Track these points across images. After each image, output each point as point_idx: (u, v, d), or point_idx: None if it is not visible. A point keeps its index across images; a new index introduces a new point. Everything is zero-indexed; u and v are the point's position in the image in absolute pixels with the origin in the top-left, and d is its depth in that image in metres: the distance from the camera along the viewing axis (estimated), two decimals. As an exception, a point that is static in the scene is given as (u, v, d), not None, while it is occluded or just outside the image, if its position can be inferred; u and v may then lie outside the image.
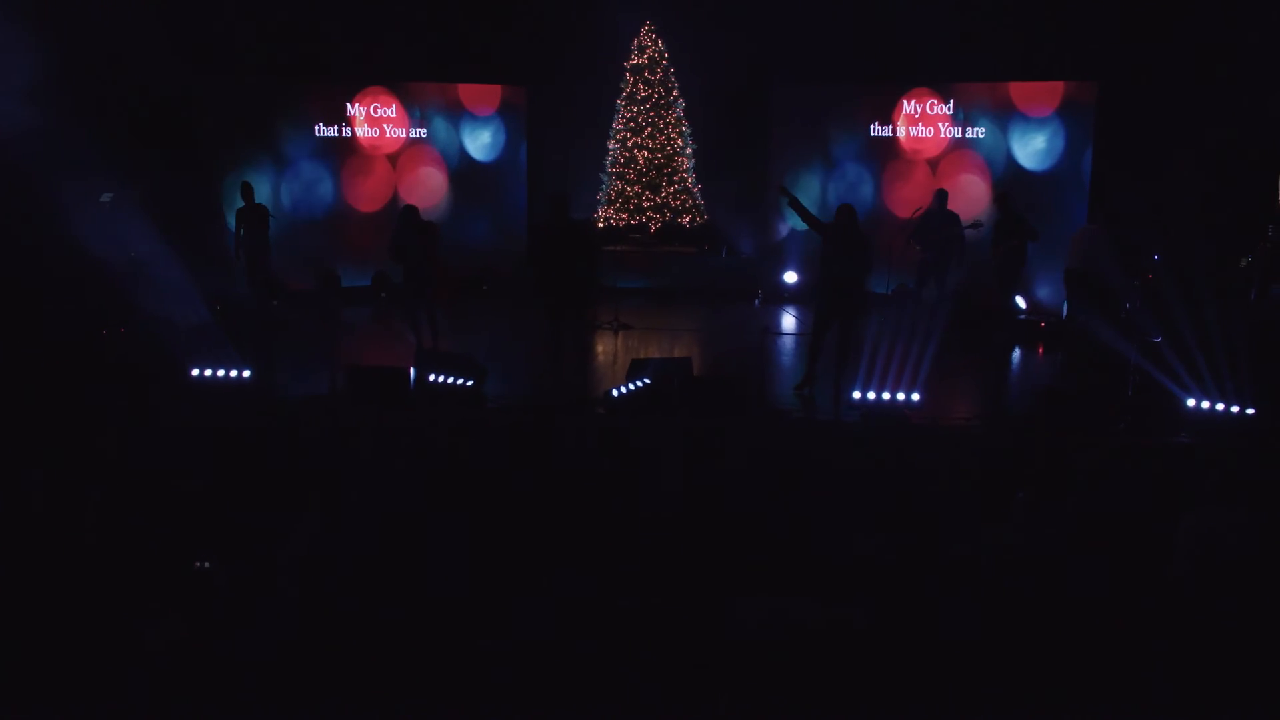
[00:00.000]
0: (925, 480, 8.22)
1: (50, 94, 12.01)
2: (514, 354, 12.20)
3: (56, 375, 9.75)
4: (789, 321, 14.85)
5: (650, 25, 17.39)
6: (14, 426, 8.43)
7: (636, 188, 17.43)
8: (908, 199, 15.18)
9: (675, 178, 17.47)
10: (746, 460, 8.67)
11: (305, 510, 6.68)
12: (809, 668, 5.61)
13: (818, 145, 16.29)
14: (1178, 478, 8.53)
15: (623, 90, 17.54)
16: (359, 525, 6.97)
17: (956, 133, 15.05)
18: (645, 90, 17.39)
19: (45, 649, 5.06)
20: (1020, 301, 13.88)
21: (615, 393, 9.62)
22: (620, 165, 17.53)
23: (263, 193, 14.01)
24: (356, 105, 15.78)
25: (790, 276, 16.30)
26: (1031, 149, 14.44)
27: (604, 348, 12.70)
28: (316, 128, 15.51)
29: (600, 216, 17.52)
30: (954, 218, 13.49)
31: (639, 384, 9.65)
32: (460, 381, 9.85)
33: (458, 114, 16.68)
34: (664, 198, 17.42)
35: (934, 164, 15.28)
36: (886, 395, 9.53)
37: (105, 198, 13.43)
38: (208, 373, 10.09)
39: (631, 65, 17.48)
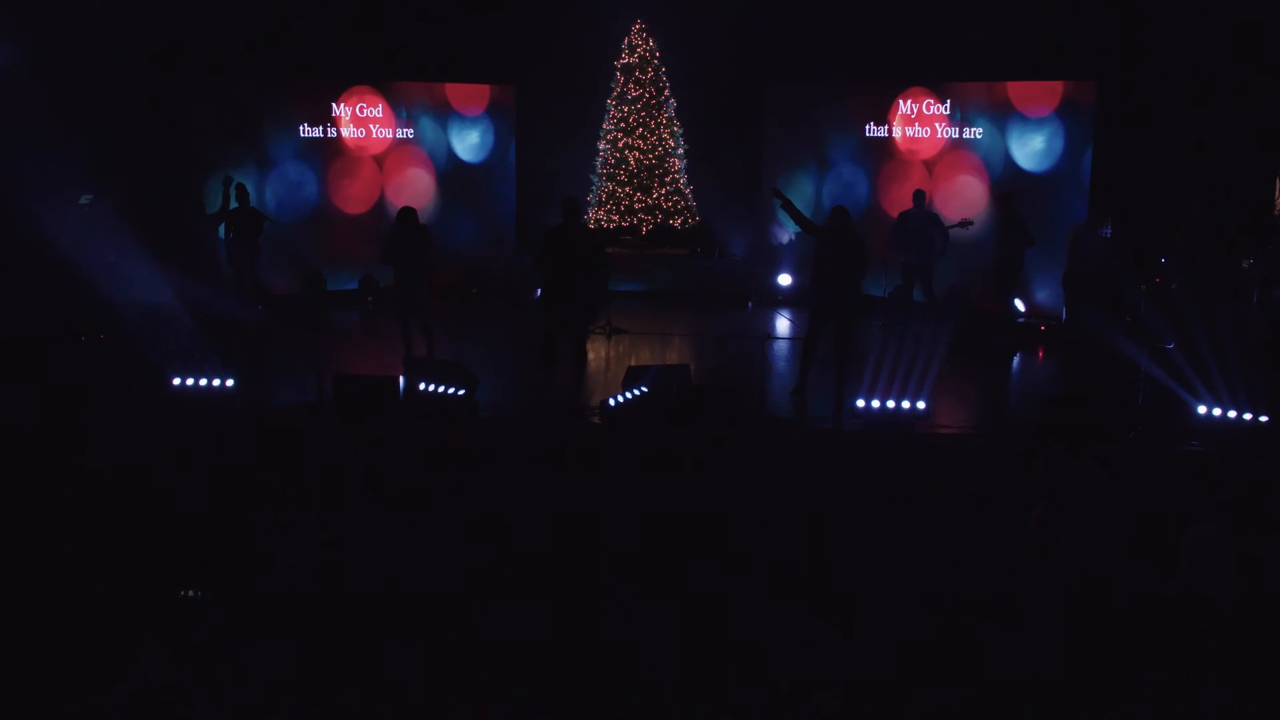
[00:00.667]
0: (934, 492, 7.99)
1: (25, 93, 11.69)
2: (506, 360, 11.92)
3: (32, 386, 9.43)
4: (783, 325, 14.59)
5: (641, 23, 17.11)
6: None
7: (627, 189, 17.15)
8: (904, 200, 14.95)
9: (667, 179, 17.19)
10: (748, 472, 8.43)
11: (295, 523, 6.39)
12: (815, 689, 5.39)
13: (812, 146, 16.06)
14: (1192, 488, 8.34)
15: (613, 89, 17.25)
16: (353, 541, 6.69)
17: (954, 133, 14.81)
18: (636, 89, 17.11)
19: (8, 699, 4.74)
20: (1019, 305, 13.66)
21: (612, 402, 9.34)
22: (611, 166, 17.25)
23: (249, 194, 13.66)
24: (342, 105, 15.46)
25: (784, 279, 16.05)
26: (1030, 149, 14.21)
27: (598, 353, 12.41)
28: (301, 128, 15.18)
29: (591, 218, 17.23)
30: (934, 218, 13.30)
31: (636, 392, 9.37)
32: (451, 390, 9.55)
33: (445, 114, 16.39)
34: (655, 199, 17.15)
35: (930, 165, 15.05)
36: (891, 404, 9.25)
37: (84, 200, 13.11)
38: (190, 382, 9.73)
39: (622, 64, 17.19)
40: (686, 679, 5.38)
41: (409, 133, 16.05)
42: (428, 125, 16.21)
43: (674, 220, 17.21)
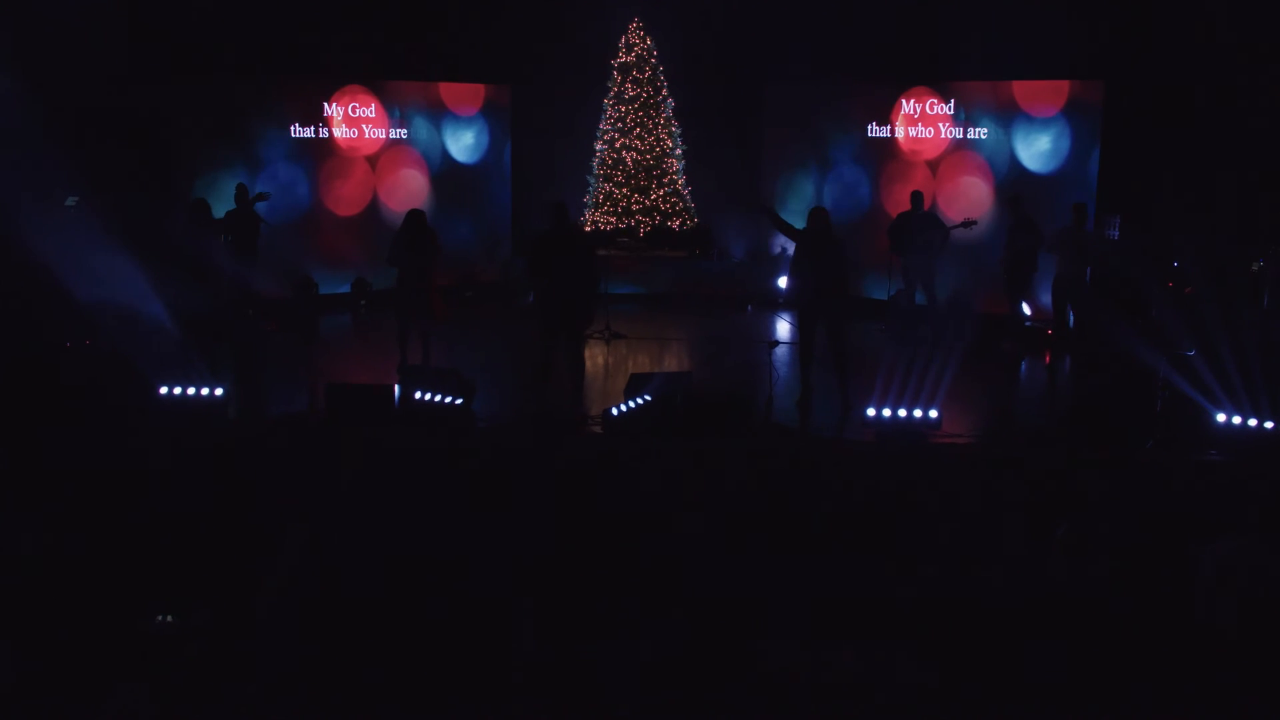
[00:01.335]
0: (950, 506, 7.73)
1: (10, 93, 11.37)
2: (504, 367, 11.63)
3: (16, 395, 9.13)
4: (784, 329, 14.33)
5: (638, 22, 16.82)
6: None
7: (625, 190, 16.86)
8: (907, 202, 14.68)
9: (665, 179, 16.90)
10: (757, 483, 8.16)
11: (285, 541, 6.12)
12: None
13: (813, 146, 15.79)
14: (1213, 500, 8.11)
15: (610, 89, 16.95)
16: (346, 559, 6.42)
17: (958, 133, 14.55)
18: (633, 89, 16.81)
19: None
20: (1025, 308, 13.40)
21: (615, 411, 9.05)
22: (608, 167, 16.95)
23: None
24: (334, 105, 15.14)
25: (784, 282, 15.76)
26: (1036, 150, 13.96)
27: (596, 359, 12.12)
28: (292, 128, 14.85)
29: (587, 220, 16.94)
30: (933, 220, 13.05)
31: (639, 401, 9.08)
32: (448, 399, 9.25)
33: (439, 114, 16.08)
34: (653, 200, 16.85)
35: (934, 165, 14.79)
36: (902, 412, 8.97)
37: (70, 202, 12.78)
38: (177, 391, 9.41)
39: (619, 63, 16.89)
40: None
41: (402, 133, 15.74)
42: (421, 125, 15.90)
43: (672, 222, 16.92)
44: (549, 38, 15.87)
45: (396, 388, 9.36)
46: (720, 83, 16.30)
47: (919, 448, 8.86)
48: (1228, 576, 5.72)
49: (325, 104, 15.06)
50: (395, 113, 15.66)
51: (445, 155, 16.21)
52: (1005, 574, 6.72)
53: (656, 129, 16.85)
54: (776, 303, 15.61)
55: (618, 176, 16.87)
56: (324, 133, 15.09)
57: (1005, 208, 13.00)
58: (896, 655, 5.47)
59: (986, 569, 6.79)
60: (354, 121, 15.31)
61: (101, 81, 12.65)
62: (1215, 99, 12.94)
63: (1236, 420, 8.98)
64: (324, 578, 5.64)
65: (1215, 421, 9.02)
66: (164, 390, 9.39)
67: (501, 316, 14.67)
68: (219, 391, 9.41)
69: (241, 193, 12.79)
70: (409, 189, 15.73)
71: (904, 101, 14.92)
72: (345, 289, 15.16)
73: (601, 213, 16.93)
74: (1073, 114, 13.65)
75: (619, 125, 16.86)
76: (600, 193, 17.00)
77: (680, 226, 16.93)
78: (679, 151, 17.01)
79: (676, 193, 16.96)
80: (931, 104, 14.74)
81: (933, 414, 8.95)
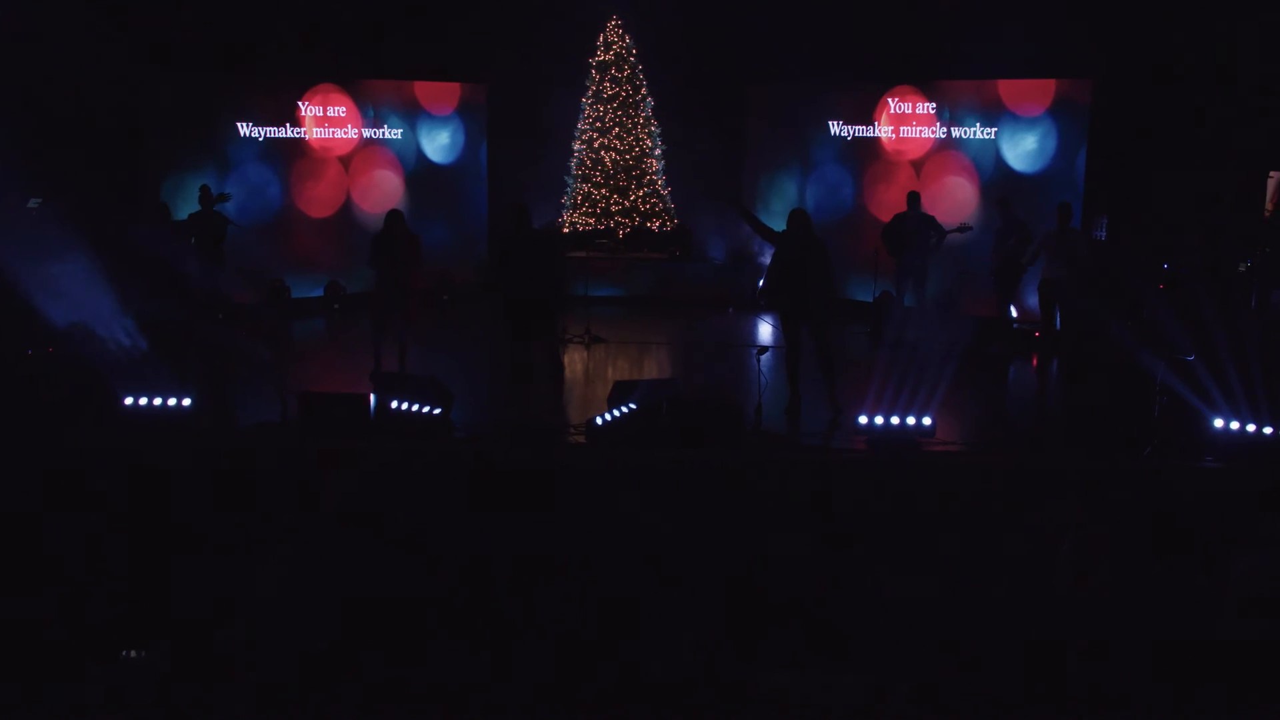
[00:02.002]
0: (948, 516, 7.51)
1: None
2: (482, 373, 11.30)
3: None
4: (767, 332, 14.08)
5: (617, 20, 16.54)
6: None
7: (603, 191, 16.57)
8: (890, 202, 14.52)
9: (644, 180, 16.62)
10: (749, 495, 7.91)
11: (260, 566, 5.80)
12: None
13: (795, 146, 15.57)
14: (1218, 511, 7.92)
15: (588, 88, 16.66)
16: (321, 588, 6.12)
17: (942, 133, 14.34)
18: (612, 88, 16.52)
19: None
20: (1013, 310, 13.20)
21: (599, 420, 8.76)
22: (586, 167, 16.66)
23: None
24: (306, 104, 14.76)
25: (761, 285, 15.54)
26: (1022, 150, 13.76)
27: (578, 365, 11.82)
28: (263, 128, 14.46)
29: (566, 221, 16.64)
30: (930, 221, 12.84)
31: (625, 410, 8.79)
32: (425, 409, 8.92)
33: (414, 113, 15.73)
34: (632, 201, 16.57)
35: (918, 165, 14.58)
36: (895, 420, 8.72)
37: (32, 204, 12.37)
38: (144, 401, 9.02)
39: (597, 62, 16.60)
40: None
41: (376, 133, 15.38)
42: (396, 125, 15.55)
43: (652, 223, 16.64)
44: (526, 36, 15.54)
45: (372, 397, 9.02)
46: (700, 81, 16.01)
47: (914, 456, 8.61)
48: (1255, 591, 5.52)
49: (297, 103, 14.68)
50: (369, 112, 15.30)
51: (420, 155, 15.86)
52: (1008, 588, 6.52)
53: (636, 128, 16.57)
54: (758, 305, 15.37)
55: (596, 177, 16.58)
56: (296, 132, 14.72)
57: (994, 209, 12.80)
58: (898, 684, 5.22)
59: (989, 583, 6.59)
60: (327, 121, 14.95)
61: (66, 79, 12.23)
62: (1204, 99, 12.79)
63: (1234, 426, 8.78)
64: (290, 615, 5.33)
65: (1213, 427, 8.82)
66: (130, 400, 9.00)
67: (479, 321, 14.34)
68: (187, 401, 9.03)
69: (205, 194, 12.41)
70: (383, 190, 15.38)
71: (888, 101, 14.71)
72: (318, 293, 14.80)
73: (580, 214, 16.63)
74: (1060, 113, 13.46)
75: (597, 125, 16.57)
76: (579, 193, 16.71)
77: (660, 228, 16.66)
78: (658, 151, 16.75)
79: (656, 193, 16.68)
80: (916, 103, 14.53)
81: (926, 421, 8.70)
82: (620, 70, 16.52)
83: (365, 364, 10.45)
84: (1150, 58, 12.89)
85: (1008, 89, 13.78)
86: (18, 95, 11.77)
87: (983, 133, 13.99)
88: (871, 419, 8.71)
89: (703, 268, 16.40)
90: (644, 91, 16.62)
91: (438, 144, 15.99)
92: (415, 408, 8.92)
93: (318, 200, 15.01)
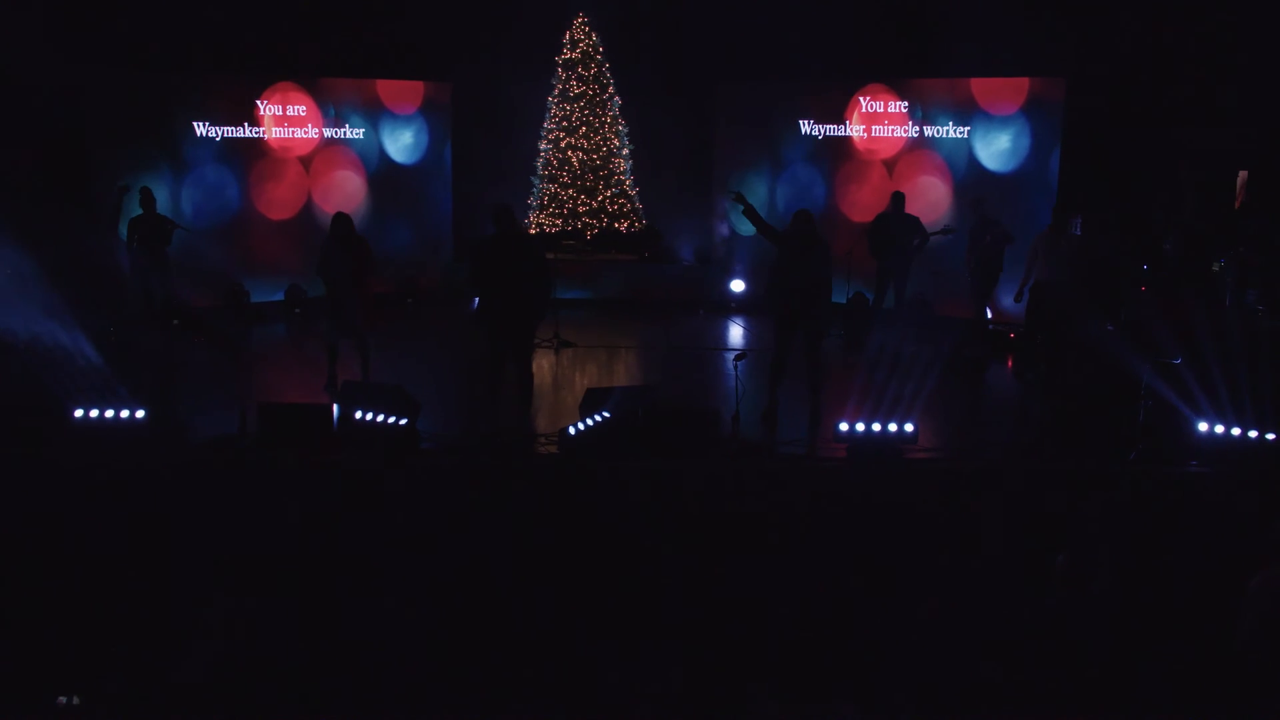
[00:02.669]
0: (935, 529, 7.28)
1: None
2: (449, 381, 10.98)
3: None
4: (737, 333, 13.84)
5: (584, 17, 16.24)
6: None
7: (571, 191, 16.26)
8: (863, 202, 14.34)
9: (612, 180, 16.33)
10: (728, 506, 7.65)
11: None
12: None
13: (765, 145, 15.33)
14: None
15: (555, 87, 16.35)
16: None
17: (914, 132, 14.15)
18: (579, 87, 16.22)
19: None
20: (988, 311, 13.03)
21: (572, 430, 8.46)
22: (553, 167, 16.35)
23: (160, 200, 12.55)
24: (265, 103, 14.35)
25: (737, 285, 15.31)
26: (995, 149, 13.60)
27: (544, 370, 11.51)
28: (220, 128, 14.04)
29: (532, 222, 16.31)
30: (914, 222, 12.63)
31: (598, 418, 8.50)
32: (391, 419, 8.59)
33: (377, 112, 15.34)
34: (600, 202, 16.28)
35: (890, 165, 14.39)
36: (876, 426, 8.49)
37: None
38: (94, 413, 8.62)
39: (564, 60, 16.29)
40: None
41: (338, 133, 14.99)
42: (358, 124, 15.16)
43: (620, 224, 16.36)
44: (491, 33, 15.23)
45: (335, 407, 8.67)
46: (669, 79, 15.76)
47: (895, 464, 8.38)
48: (1271, 604, 5.31)
49: (256, 102, 14.28)
50: (330, 111, 14.91)
51: (383, 155, 15.49)
52: (1000, 604, 6.30)
53: (603, 128, 16.28)
54: (729, 307, 15.14)
55: (563, 177, 16.28)
56: (254, 132, 14.32)
57: (968, 210, 12.62)
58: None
59: (981, 598, 6.37)
60: (286, 120, 14.55)
61: (6, 79, 11.77)
62: (1178, 98, 12.72)
63: (1219, 429, 8.63)
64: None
65: (1197, 431, 8.67)
66: (79, 413, 8.60)
67: (444, 325, 14.01)
68: (140, 413, 8.64)
69: (147, 197, 11.97)
70: (345, 191, 15.01)
71: (859, 99, 14.50)
72: (279, 297, 14.40)
73: (546, 215, 16.32)
74: (1033, 112, 13.30)
75: (564, 124, 16.27)
76: (545, 194, 16.40)
77: (628, 229, 16.38)
78: (626, 151, 16.46)
79: (624, 194, 16.41)
80: (887, 102, 14.33)
81: (908, 427, 8.48)
82: (587, 68, 16.23)
83: (325, 375, 10.11)
84: (1124, 55, 12.79)
85: (981, 87, 13.62)
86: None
87: (956, 131, 13.82)
88: (852, 426, 8.48)
89: (672, 269, 16.14)
90: (611, 90, 16.34)
91: (401, 144, 15.62)
92: (381, 418, 8.59)
93: (277, 202, 14.61)
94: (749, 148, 15.46)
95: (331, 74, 14.96)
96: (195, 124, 13.87)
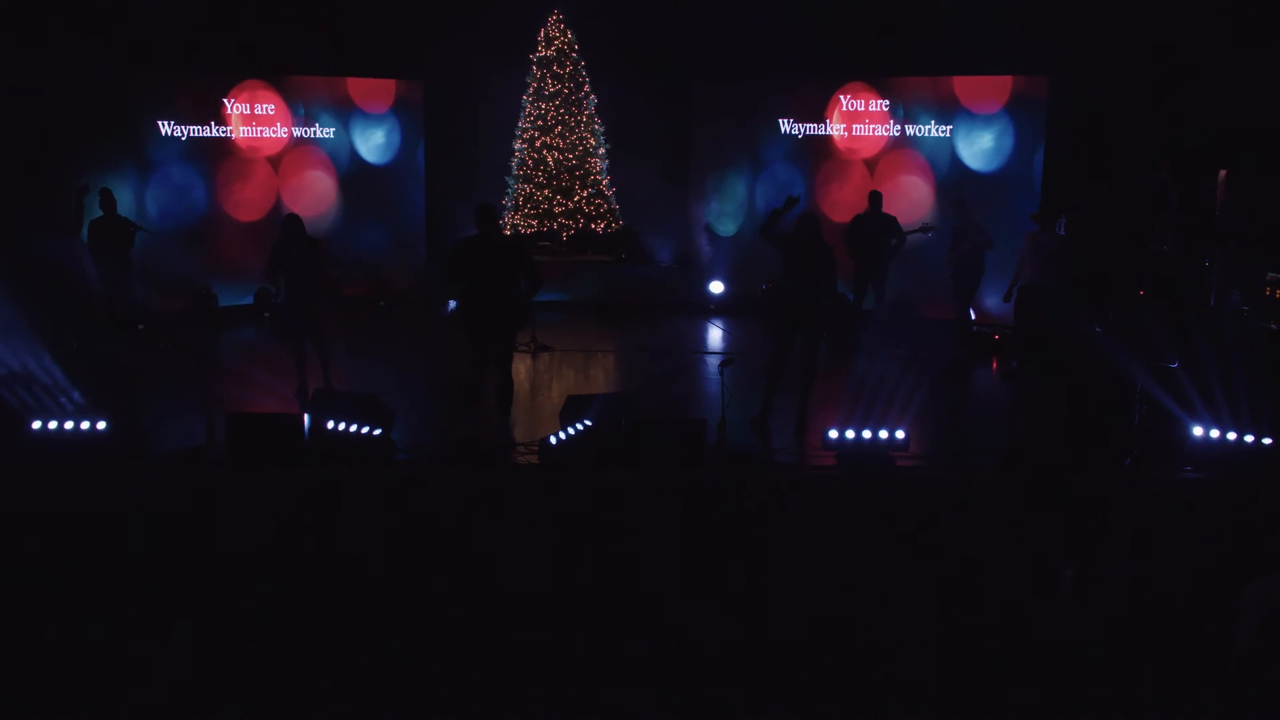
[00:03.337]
0: (933, 541, 7.07)
1: None
2: (422, 388, 10.67)
3: None
4: (716, 336, 13.60)
5: (559, 14, 15.96)
6: None
7: (546, 191, 15.98)
8: (844, 202, 14.13)
9: (588, 180, 16.06)
10: (721, 519, 7.42)
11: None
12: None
13: (744, 145, 15.12)
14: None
15: (529, 85, 16.06)
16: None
17: (896, 131, 13.97)
18: (554, 85, 15.94)
19: None
20: (971, 313, 12.85)
21: (553, 439, 8.18)
22: (528, 167, 16.06)
23: (123, 201, 12.18)
24: (232, 101, 14.00)
25: (716, 286, 15.07)
26: (978, 148, 13.44)
27: (523, 377, 11.21)
28: (186, 127, 13.66)
29: (507, 223, 16.01)
30: (891, 222, 12.44)
31: (579, 427, 8.21)
32: (364, 429, 8.27)
33: (347, 111, 15.02)
34: (576, 202, 16.01)
35: (871, 164, 14.20)
36: (866, 433, 8.25)
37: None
38: (52, 425, 8.26)
39: (538, 58, 16.01)
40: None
41: (307, 132, 14.65)
42: (328, 124, 14.82)
43: (596, 225, 16.09)
44: (464, 30, 14.91)
45: (306, 417, 8.35)
46: (646, 77, 15.50)
47: (887, 471, 8.16)
48: (1270, 615, 5.15)
49: (223, 100, 13.92)
50: (300, 110, 14.57)
51: (354, 155, 15.16)
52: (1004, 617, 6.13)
53: (579, 127, 16.01)
54: (707, 309, 14.90)
55: (538, 177, 16.00)
56: (221, 131, 13.96)
57: (949, 208, 12.43)
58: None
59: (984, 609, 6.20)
60: (254, 119, 14.20)
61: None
62: (1163, 96, 12.58)
63: (1215, 434, 8.45)
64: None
65: (1192, 436, 8.48)
66: (37, 424, 8.22)
67: (417, 329, 13.69)
68: (101, 425, 8.27)
69: (107, 198, 11.61)
70: (315, 192, 14.69)
71: (840, 98, 14.30)
72: (248, 300, 14.03)
73: (522, 215, 16.03)
74: (1016, 110, 13.15)
75: (539, 123, 15.99)
76: (520, 194, 16.11)
77: (605, 230, 16.11)
78: (602, 151, 16.19)
79: (600, 194, 16.14)
80: (868, 100, 14.14)
81: (899, 434, 8.25)
82: (562, 66, 15.96)
83: (295, 382, 9.79)
84: (1107, 52, 12.64)
85: (963, 86, 13.46)
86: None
87: (938, 130, 13.66)
88: (842, 433, 8.24)
89: (649, 270, 15.89)
90: (587, 88, 16.07)
91: (372, 143, 15.29)
92: (353, 428, 8.27)
93: (246, 203, 14.26)
94: (727, 146, 15.24)
95: (301, 71, 14.63)
96: (160, 122, 13.50)
